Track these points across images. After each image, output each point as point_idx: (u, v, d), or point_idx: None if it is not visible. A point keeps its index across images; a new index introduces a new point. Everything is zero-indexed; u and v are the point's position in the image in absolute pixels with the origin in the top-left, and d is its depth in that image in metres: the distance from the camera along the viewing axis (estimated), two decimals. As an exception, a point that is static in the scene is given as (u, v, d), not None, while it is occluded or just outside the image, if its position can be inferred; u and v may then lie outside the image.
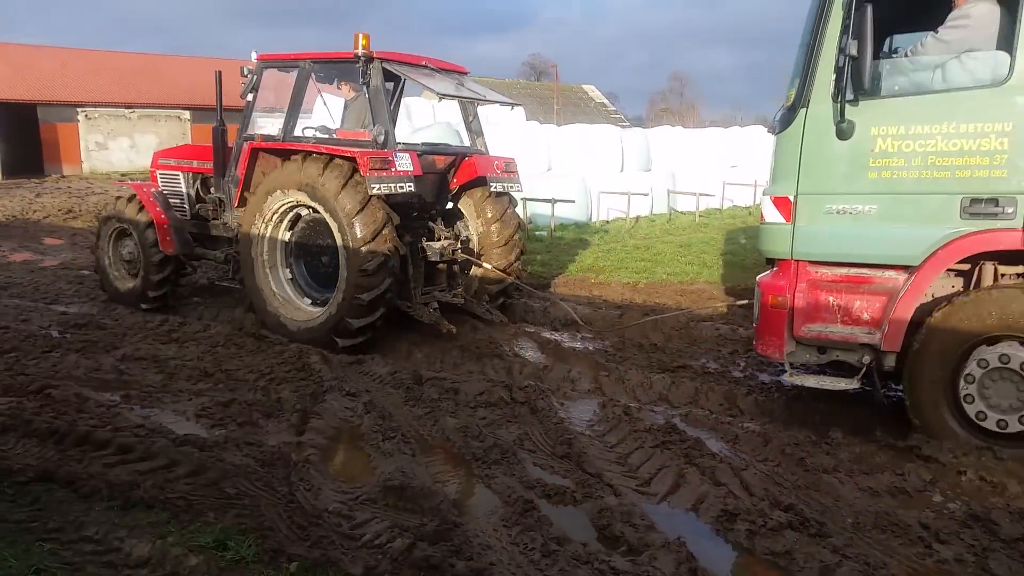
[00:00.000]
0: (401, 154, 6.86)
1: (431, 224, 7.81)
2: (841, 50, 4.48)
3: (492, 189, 7.92)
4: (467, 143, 8.80)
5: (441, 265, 7.81)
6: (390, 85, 7.63)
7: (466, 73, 8.14)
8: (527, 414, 5.16)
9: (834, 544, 3.53)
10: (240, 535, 3.48)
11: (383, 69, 7.01)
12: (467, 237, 8.14)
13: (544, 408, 5.18)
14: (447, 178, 8.09)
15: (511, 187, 8.13)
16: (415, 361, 6.70)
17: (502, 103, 8.14)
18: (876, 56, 4.71)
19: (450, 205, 8.24)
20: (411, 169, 6.86)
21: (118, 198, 8.87)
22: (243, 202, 7.62)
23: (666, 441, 4.70)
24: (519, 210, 8.73)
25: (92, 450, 4.44)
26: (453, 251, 7.64)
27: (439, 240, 7.67)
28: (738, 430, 4.94)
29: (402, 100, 8.89)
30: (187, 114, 36.60)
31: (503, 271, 8.04)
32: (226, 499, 3.85)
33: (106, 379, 6.03)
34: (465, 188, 8.10)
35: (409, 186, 6.79)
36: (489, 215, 8.04)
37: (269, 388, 5.69)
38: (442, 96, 7.08)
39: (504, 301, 8.30)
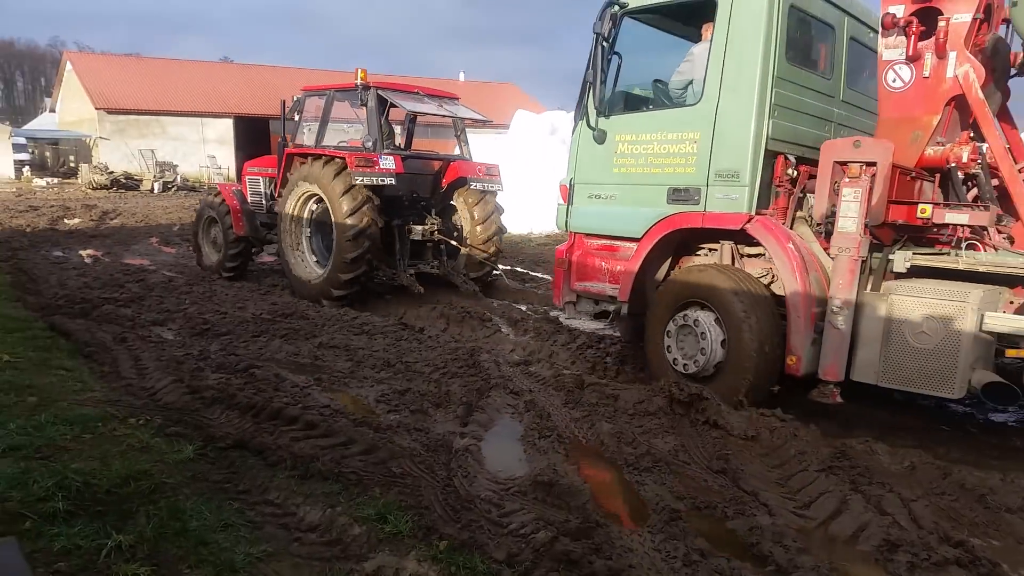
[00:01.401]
0: (386, 156, 9.25)
1: (424, 213, 10.05)
2: (585, 79, 6.48)
3: (473, 187, 10.20)
4: (461, 152, 10.97)
5: (428, 244, 10.17)
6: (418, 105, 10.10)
7: (455, 97, 10.70)
8: (686, 425, 5.10)
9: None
10: (399, 511, 3.75)
11: (377, 95, 9.53)
12: (452, 227, 10.35)
13: (702, 422, 5.10)
14: (439, 178, 10.48)
15: (491, 186, 10.32)
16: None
17: (473, 119, 10.58)
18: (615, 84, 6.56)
19: (452, 201, 10.56)
20: (393, 168, 9.20)
21: (209, 195, 11.64)
22: (281, 193, 10.12)
23: (833, 467, 4.47)
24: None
25: (282, 424, 4.96)
26: (431, 233, 9.91)
27: (423, 225, 9.91)
28: (914, 459, 4.59)
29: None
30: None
31: (481, 259, 10.35)
32: (392, 477, 4.16)
33: (303, 363, 6.68)
34: (454, 187, 10.41)
35: (391, 180, 9.18)
36: (476, 216, 10.32)
37: (441, 381, 6.04)
38: (410, 112, 10.25)
39: (487, 278, 10.56)
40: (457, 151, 11.04)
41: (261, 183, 11.13)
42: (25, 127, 49.50)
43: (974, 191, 5.77)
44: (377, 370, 6.46)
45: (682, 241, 6.36)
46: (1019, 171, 5.56)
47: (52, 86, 51.98)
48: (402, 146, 11.35)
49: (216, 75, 44.66)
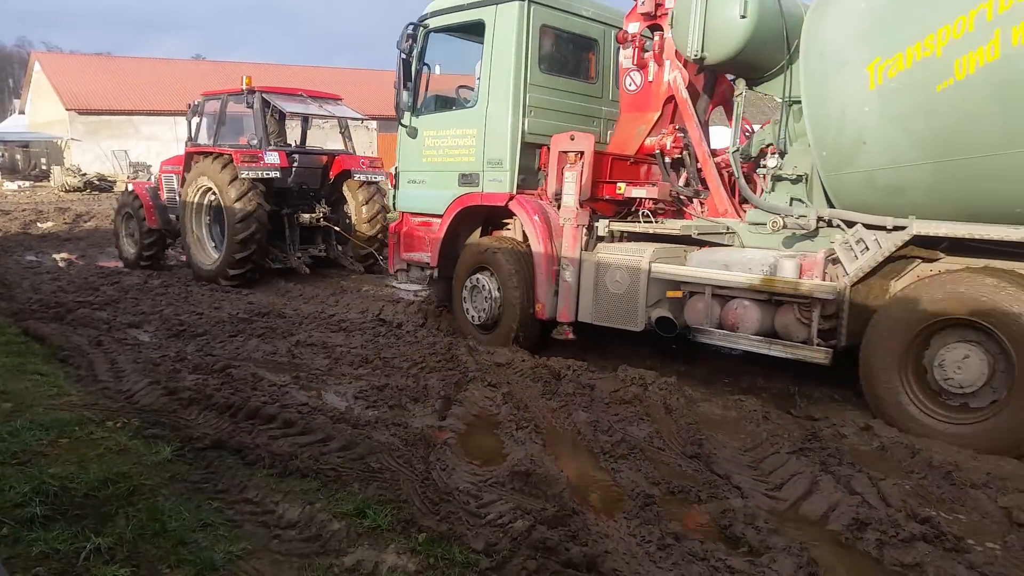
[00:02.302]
0: (271, 152, 10.57)
1: (313, 202, 11.43)
2: (395, 85, 7.89)
3: (357, 178, 11.57)
4: (345, 147, 12.32)
5: (318, 230, 11.61)
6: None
7: (337, 98, 12.11)
8: (662, 412, 5.17)
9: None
10: (378, 505, 3.79)
11: (261, 98, 10.93)
12: (343, 215, 11.69)
13: (678, 408, 5.18)
14: (327, 171, 11.85)
15: (373, 177, 11.67)
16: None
17: (352, 118, 12.06)
18: (417, 90, 7.94)
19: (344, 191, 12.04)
20: (277, 162, 10.55)
21: (125, 192, 13.08)
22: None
23: (804, 448, 4.57)
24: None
25: (260, 423, 4.97)
26: (317, 220, 11.31)
27: (311, 213, 11.29)
28: (884, 439, 4.70)
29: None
30: (374, 124, 39.08)
31: (365, 241, 11.67)
32: (370, 472, 4.19)
33: (280, 362, 6.69)
34: (342, 178, 11.75)
35: (275, 173, 10.49)
36: (360, 199, 11.72)
37: (419, 376, 6.08)
38: (288, 112, 11.49)
39: (371, 263, 11.67)
40: (341, 146, 12.39)
41: (174, 179, 12.00)
42: (-5, 130, 48.72)
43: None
44: (355, 367, 6.48)
45: (490, 216, 7.73)
46: (734, 151, 6.52)
47: (20, 87, 51.16)
48: (297, 143, 12.66)
49: (189, 73, 44.14)
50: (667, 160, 7.04)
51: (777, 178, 6.25)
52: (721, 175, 6.77)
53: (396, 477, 4.13)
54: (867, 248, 5.33)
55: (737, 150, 6.53)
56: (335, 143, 13.39)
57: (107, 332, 7.56)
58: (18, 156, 43.15)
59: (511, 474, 4.15)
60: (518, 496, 3.94)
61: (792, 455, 4.51)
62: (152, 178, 13.93)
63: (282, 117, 11.94)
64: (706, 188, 6.85)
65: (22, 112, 48.63)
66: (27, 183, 36.19)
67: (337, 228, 11.71)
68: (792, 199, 6.13)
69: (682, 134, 6.95)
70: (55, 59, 42.60)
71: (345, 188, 11.91)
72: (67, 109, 37.72)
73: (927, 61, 4.93)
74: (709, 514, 3.86)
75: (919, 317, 4.99)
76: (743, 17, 5.96)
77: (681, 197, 6.96)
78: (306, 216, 11.30)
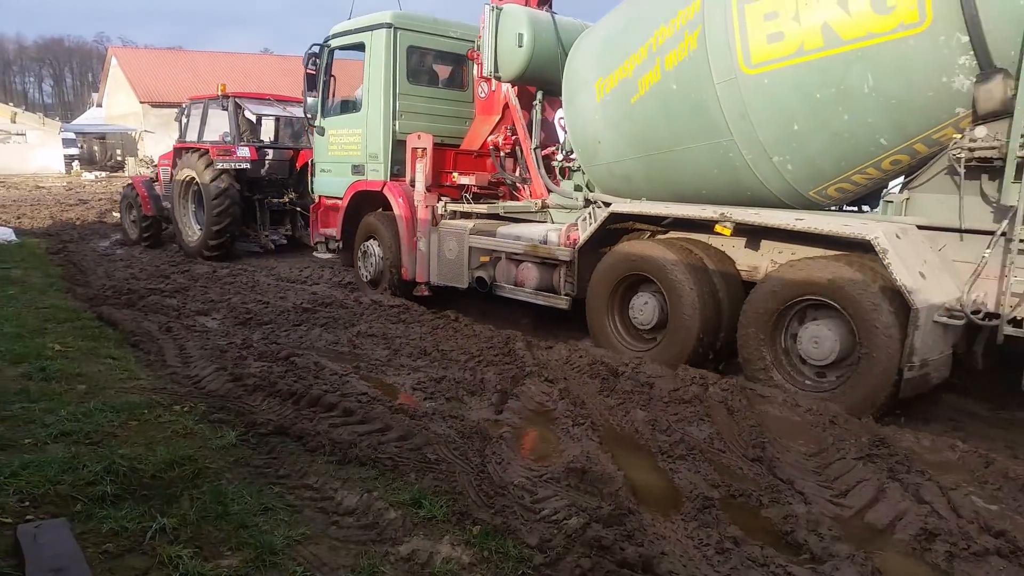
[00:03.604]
0: (242, 147, 12.43)
1: (282, 190, 13.09)
2: (302, 94, 9.99)
3: None
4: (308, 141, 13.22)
5: (286, 213, 13.28)
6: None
7: (299, 101, 11.98)
8: (723, 413, 5.07)
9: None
10: (434, 496, 3.81)
11: (234, 102, 12.72)
12: (310, 200, 11.78)
13: (740, 409, 5.07)
14: (294, 163, 13.21)
15: None
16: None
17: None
18: (324, 97, 9.93)
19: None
20: (248, 155, 12.38)
21: (127, 185, 15.20)
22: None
23: (871, 454, 4.42)
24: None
25: (322, 411, 5.06)
26: (284, 204, 13.07)
27: (279, 198, 13.03)
28: (956, 447, 4.52)
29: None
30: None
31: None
32: (427, 463, 4.22)
33: (342, 351, 6.79)
34: (306, 169, 11.90)
35: (246, 165, 12.33)
36: None
37: (476, 369, 6.09)
38: (255, 114, 13.30)
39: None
40: (304, 141, 13.69)
41: (168, 172, 13.79)
42: (74, 122, 50.75)
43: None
44: (414, 358, 6.53)
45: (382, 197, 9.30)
46: (535, 148, 8.29)
47: (99, 81, 53.15)
48: (271, 139, 14.27)
49: (256, 66, 45.29)
50: (501, 154, 8.85)
51: (566, 169, 8.00)
52: (550, 166, 8.32)
53: (452, 469, 4.14)
54: (591, 222, 7.07)
55: (537, 147, 8.30)
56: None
57: (176, 319, 7.80)
58: (96, 147, 44.86)
59: (566, 470, 4.13)
60: (573, 493, 3.91)
61: (858, 461, 4.37)
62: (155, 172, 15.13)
63: (258, 118, 13.99)
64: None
65: (100, 105, 50.56)
66: (103, 173, 37.63)
67: (300, 211, 13.18)
68: (576, 185, 7.84)
69: (512, 134, 8.62)
70: (130, 54, 44.16)
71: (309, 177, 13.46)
72: (141, 102, 39.08)
73: (626, 80, 6.55)
74: (770, 519, 3.76)
75: (616, 273, 6.74)
76: (520, 47, 7.78)
77: (513, 183, 8.85)
78: (275, 201, 13.12)
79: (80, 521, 3.48)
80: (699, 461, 4.35)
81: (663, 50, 6.13)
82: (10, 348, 6.20)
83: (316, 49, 9.62)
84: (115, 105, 44.99)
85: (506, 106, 8.58)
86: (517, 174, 8.76)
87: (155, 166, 14.86)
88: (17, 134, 38.25)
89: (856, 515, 3.88)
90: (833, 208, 6.22)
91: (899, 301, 5.01)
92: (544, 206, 8.34)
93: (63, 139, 40.12)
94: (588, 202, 7.46)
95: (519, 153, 8.51)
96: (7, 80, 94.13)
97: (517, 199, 8.70)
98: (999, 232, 4.90)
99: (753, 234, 6.11)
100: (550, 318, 8.05)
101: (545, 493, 3.88)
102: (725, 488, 4.05)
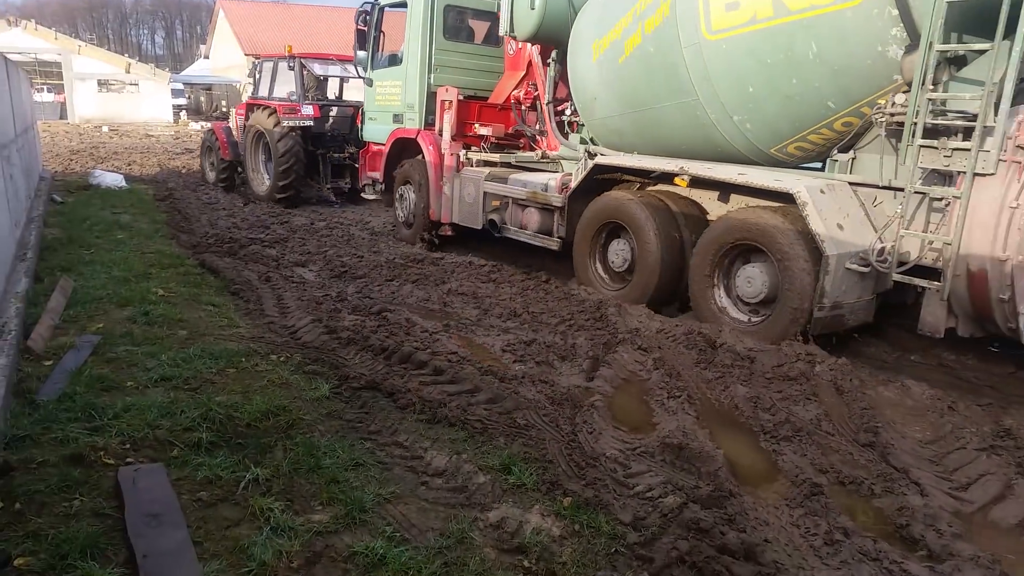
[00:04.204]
0: (307, 105, 13.19)
1: (344, 144, 13.66)
2: (353, 48, 10.70)
3: None
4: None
5: (347, 167, 13.75)
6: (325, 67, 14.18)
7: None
8: (831, 393, 4.77)
9: None
10: (524, 463, 3.71)
11: (300, 62, 13.48)
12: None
13: (850, 390, 4.75)
14: (355, 119, 13.29)
15: None
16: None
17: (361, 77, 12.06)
18: (372, 53, 10.63)
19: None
20: (312, 113, 13.18)
21: (207, 130, 16.03)
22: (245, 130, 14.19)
23: (995, 446, 4.06)
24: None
25: (413, 368, 5.02)
26: (345, 158, 13.63)
27: (340, 153, 13.69)
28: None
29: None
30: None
31: None
32: (516, 428, 4.12)
33: (432, 309, 6.75)
34: None
35: (309, 122, 13.13)
36: None
37: (567, 333, 5.93)
38: (318, 75, 14.12)
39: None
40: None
41: (243, 124, 14.77)
42: (182, 73, 52.58)
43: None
44: (504, 319, 6.44)
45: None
46: (548, 103, 8.72)
47: (207, 34, 54.78)
48: (336, 96, 15.01)
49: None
50: (523, 107, 9.32)
51: (575, 124, 8.56)
52: (562, 120, 8.80)
53: (542, 436, 4.03)
54: (581, 173, 7.75)
55: (550, 102, 8.75)
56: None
57: (275, 269, 7.94)
58: (202, 98, 46.35)
59: (662, 445, 3.95)
60: (669, 470, 3.74)
61: (981, 452, 4.03)
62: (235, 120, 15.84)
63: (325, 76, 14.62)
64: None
65: (207, 57, 52.14)
66: (209, 123, 38.86)
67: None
68: (581, 139, 8.39)
69: (533, 88, 9.08)
70: (237, 7, 45.07)
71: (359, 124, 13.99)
72: (245, 54, 40.00)
73: (615, 42, 7.09)
74: (883, 510, 3.50)
75: (598, 220, 7.43)
76: (533, 9, 8.15)
77: (532, 135, 9.30)
78: (336, 156, 13.73)
79: (176, 467, 3.54)
80: (805, 443, 4.09)
81: (644, 16, 6.73)
82: (117, 291, 6.43)
83: (368, 7, 10.42)
84: (221, 57, 46.26)
85: (530, 63, 9.06)
86: (537, 127, 9.19)
87: (235, 115, 15.70)
88: (131, 84, 39.91)
89: (979, 512, 3.57)
90: (802, 166, 6.58)
91: (815, 248, 5.51)
92: (545, 156, 9.02)
93: (172, 90, 41.59)
94: (589, 154, 8.01)
95: (539, 107, 9.01)
96: (124, 32, 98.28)
97: (535, 150, 9.23)
98: (909, 189, 5.28)
99: (720, 188, 6.66)
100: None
101: (639, 468, 3.72)
102: (834, 474, 3.79)
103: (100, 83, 38.76)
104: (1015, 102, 4.85)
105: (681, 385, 4.85)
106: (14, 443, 3.68)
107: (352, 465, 3.65)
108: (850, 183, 5.84)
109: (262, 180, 13.89)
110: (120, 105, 38.78)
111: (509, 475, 3.59)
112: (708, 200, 6.88)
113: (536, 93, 9.02)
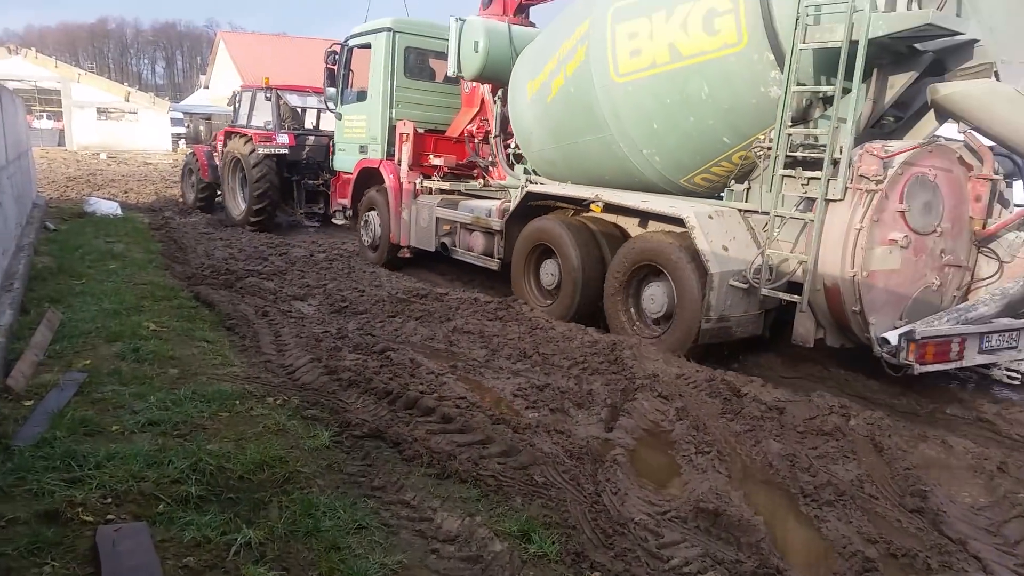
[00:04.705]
0: (282, 134, 13.78)
1: (318, 171, 14.11)
2: (323, 84, 11.83)
3: None
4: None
5: (320, 193, 14.23)
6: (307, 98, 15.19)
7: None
8: (870, 451, 4.44)
9: None
10: (544, 528, 3.37)
11: (276, 93, 14.30)
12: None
13: (890, 447, 4.42)
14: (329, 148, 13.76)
15: None
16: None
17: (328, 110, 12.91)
18: (342, 89, 11.50)
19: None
20: (287, 142, 13.73)
21: (189, 153, 16.78)
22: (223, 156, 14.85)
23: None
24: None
25: (419, 415, 4.69)
26: (320, 185, 14.08)
27: (315, 179, 14.19)
28: None
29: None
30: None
31: None
32: (533, 487, 3.79)
33: (437, 348, 6.43)
34: None
35: (284, 150, 13.66)
36: None
37: (581, 377, 5.62)
38: (294, 106, 14.99)
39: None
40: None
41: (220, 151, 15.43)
42: (182, 103, 52.69)
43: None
44: (513, 360, 6.12)
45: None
46: (496, 136, 9.47)
47: (207, 64, 55.02)
48: (313, 126, 15.60)
49: (355, 53, 45.80)
50: (476, 140, 9.96)
51: (520, 155, 9.14)
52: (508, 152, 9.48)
53: (562, 496, 3.70)
54: (516, 200, 8.47)
55: (497, 135, 9.44)
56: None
57: (273, 303, 7.62)
58: (201, 127, 46.34)
59: (695, 510, 3.61)
60: (705, 539, 3.40)
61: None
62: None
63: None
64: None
65: (207, 87, 52.27)
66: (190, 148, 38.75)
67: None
68: (524, 169, 9.00)
69: (486, 123, 9.73)
70: (237, 38, 45.37)
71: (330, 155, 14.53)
72: (243, 85, 40.04)
73: (544, 83, 7.85)
74: (944, 590, 3.16)
75: (529, 242, 8.14)
76: (476, 52, 8.90)
77: (485, 166, 9.94)
78: (311, 182, 14.33)
79: (162, 525, 3.20)
80: (849, 508, 3.76)
81: (565, 60, 7.49)
82: (107, 325, 6.10)
83: (337, 47, 11.39)
84: (221, 87, 46.30)
85: (483, 100, 9.77)
86: (489, 159, 9.82)
87: (214, 139, 16.13)
88: (130, 112, 39.86)
89: (1049, 593, 3.23)
90: (718, 195, 7.15)
91: (703, 267, 6.09)
92: (488, 185, 10.00)
93: (171, 118, 41.55)
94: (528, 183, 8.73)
95: (490, 140, 9.69)
96: (124, 62, 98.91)
97: (488, 179, 10.01)
98: (772, 213, 5.92)
99: (638, 214, 7.25)
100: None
101: (672, 536, 3.38)
102: (884, 544, 3.46)
103: (99, 111, 38.70)
104: (873, 138, 5.68)
105: (709, 439, 4.52)
106: (-18, 497, 3.33)
107: (355, 528, 3.30)
108: (741, 210, 6.42)
109: (238, 204, 14.39)
110: (119, 133, 38.72)
111: (529, 543, 3.25)
112: (631, 225, 7.46)
113: (488, 127, 9.69)
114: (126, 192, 18.39)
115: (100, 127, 38.47)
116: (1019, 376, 6.03)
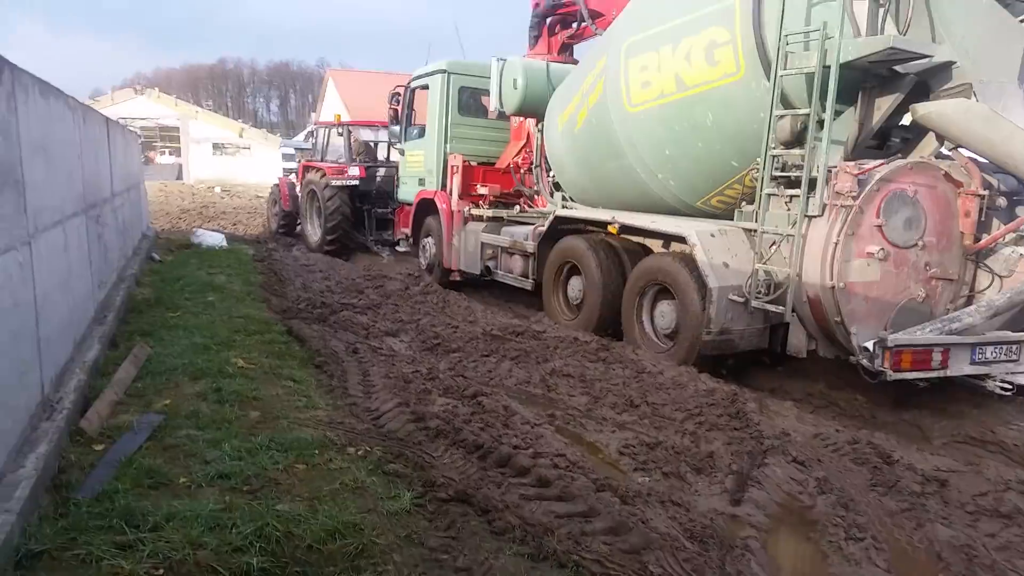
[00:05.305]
0: (353, 166, 14.95)
1: (388, 200, 14.74)
2: (388, 123, 13.74)
3: None
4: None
5: (391, 221, 14.76)
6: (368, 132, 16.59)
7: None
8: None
9: None
10: (663, 636, 2.74)
11: (347, 129, 15.73)
12: None
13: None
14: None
15: None
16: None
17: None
18: (405, 127, 12.65)
19: None
20: (358, 174, 14.81)
21: (274, 185, 17.96)
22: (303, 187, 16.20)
23: None
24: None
25: (512, 475, 4.15)
26: (388, 214, 14.81)
27: (385, 208, 14.97)
28: None
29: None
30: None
31: None
32: (648, 576, 3.16)
33: (534, 393, 5.89)
34: None
35: (356, 182, 14.77)
36: None
37: (699, 434, 4.93)
38: (364, 140, 16.18)
39: None
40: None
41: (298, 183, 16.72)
42: (293, 139, 54.80)
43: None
44: (618, 410, 5.50)
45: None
46: (536, 166, 10.06)
47: (317, 101, 57.09)
48: (385, 158, 16.19)
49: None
50: (522, 170, 10.57)
51: (557, 184, 9.66)
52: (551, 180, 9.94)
53: (685, 592, 3.05)
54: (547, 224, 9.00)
55: (539, 166, 9.98)
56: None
57: (364, 339, 7.30)
58: (310, 162, 48.21)
59: (854, 619, 2.89)
60: (873, 662, 2.68)
61: None
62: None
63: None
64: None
65: (316, 124, 54.21)
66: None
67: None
68: (563, 196, 9.45)
69: (531, 154, 10.25)
70: (345, 76, 46.73)
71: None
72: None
73: (572, 115, 8.43)
74: None
75: (558, 261, 8.69)
76: (515, 89, 9.56)
77: (530, 194, 10.52)
78: (380, 211, 15.17)
79: (217, 607, 2.76)
80: (1056, 627, 2.95)
81: (588, 93, 8.10)
82: (194, 361, 5.87)
83: (400, 90, 12.49)
84: (330, 123, 47.97)
85: (528, 133, 10.40)
86: (534, 187, 10.37)
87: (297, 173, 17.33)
88: (243, 147, 41.66)
89: None
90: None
91: (704, 283, 6.39)
92: (523, 211, 10.56)
93: (283, 154, 43.15)
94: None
95: (535, 171, 10.23)
96: (241, 100, 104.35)
97: (533, 206, 10.52)
98: (759, 230, 6.29)
99: (653, 234, 7.63)
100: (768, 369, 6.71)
101: (829, 657, 2.69)
102: None
103: (215, 146, 40.62)
104: (876, 158, 6.05)
105: (860, 520, 3.75)
106: (27, 560, 2.99)
107: (435, 622, 2.77)
108: (745, 229, 6.62)
109: (315, 231, 15.45)
110: (233, 167, 40.46)
111: (645, 655, 2.63)
112: (656, 246, 7.80)
113: (531, 158, 10.24)
114: (235, 224, 18.88)
115: (215, 162, 40.38)
116: (1012, 388, 5.90)
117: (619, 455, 4.60)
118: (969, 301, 6.08)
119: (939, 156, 6.15)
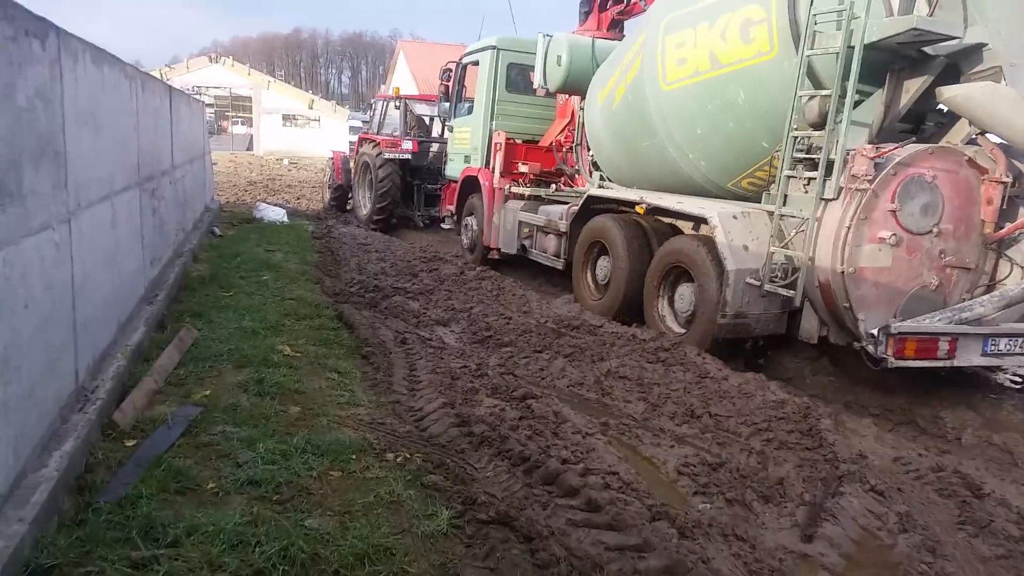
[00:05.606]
0: (407, 140, 15.02)
1: (438, 176, 14.17)
2: (438, 99, 13.63)
3: None
4: None
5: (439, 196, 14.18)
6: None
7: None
8: None
9: None
10: None
11: (405, 103, 15.93)
12: None
13: None
14: None
15: None
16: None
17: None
18: (455, 104, 12.71)
19: None
20: (411, 148, 14.88)
21: (328, 159, 18.26)
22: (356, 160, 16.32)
23: None
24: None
25: (559, 495, 3.83)
26: (437, 190, 14.17)
27: (435, 184, 14.44)
28: None
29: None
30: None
31: None
32: (704, 628, 2.82)
33: (587, 397, 5.56)
34: None
35: (408, 156, 14.84)
36: None
37: (767, 454, 4.52)
38: (420, 115, 16.39)
39: None
40: None
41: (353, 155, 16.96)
42: (360, 111, 55.11)
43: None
44: (677, 421, 5.12)
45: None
46: (577, 144, 10.12)
47: (388, 73, 57.20)
48: (440, 134, 15.54)
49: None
50: (564, 148, 10.44)
51: (595, 163, 9.53)
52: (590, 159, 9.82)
53: (746, 649, 2.70)
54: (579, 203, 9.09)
55: (580, 144, 9.87)
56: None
57: (414, 327, 7.06)
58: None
59: None
60: None
61: None
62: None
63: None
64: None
65: (386, 96, 54.32)
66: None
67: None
68: (600, 175, 9.38)
69: (572, 132, 10.12)
70: (415, 48, 46.61)
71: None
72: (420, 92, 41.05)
73: (611, 91, 8.51)
74: None
75: (587, 240, 8.73)
76: (559, 65, 9.48)
77: (571, 173, 10.29)
78: (430, 186, 14.95)
79: (227, 643, 2.53)
80: None
81: (626, 69, 8.07)
82: (240, 347, 5.71)
83: (451, 65, 12.41)
84: (399, 95, 47.99)
85: (573, 111, 10.22)
86: (575, 166, 10.21)
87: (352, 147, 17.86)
88: (312, 119, 42.01)
89: None
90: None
91: (722, 265, 6.36)
92: (559, 190, 10.28)
93: (350, 126, 43.42)
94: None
95: (576, 149, 10.15)
96: (315, 71, 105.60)
97: (573, 185, 10.26)
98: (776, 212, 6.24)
99: (680, 215, 7.51)
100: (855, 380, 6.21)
101: None
102: None
103: (285, 117, 41.02)
104: (886, 140, 5.85)
105: (948, 568, 3.33)
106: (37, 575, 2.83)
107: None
108: (768, 212, 6.42)
109: (365, 204, 15.67)
110: (302, 139, 40.85)
111: None
112: (687, 227, 7.67)
113: (575, 136, 10.14)
114: (299, 198, 18.96)
115: (285, 133, 40.82)
116: (1022, 381, 5.91)
117: (677, 475, 4.24)
118: (988, 291, 5.88)
119: (970, 142, 5.97)
